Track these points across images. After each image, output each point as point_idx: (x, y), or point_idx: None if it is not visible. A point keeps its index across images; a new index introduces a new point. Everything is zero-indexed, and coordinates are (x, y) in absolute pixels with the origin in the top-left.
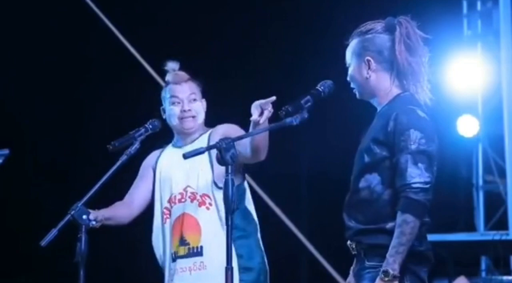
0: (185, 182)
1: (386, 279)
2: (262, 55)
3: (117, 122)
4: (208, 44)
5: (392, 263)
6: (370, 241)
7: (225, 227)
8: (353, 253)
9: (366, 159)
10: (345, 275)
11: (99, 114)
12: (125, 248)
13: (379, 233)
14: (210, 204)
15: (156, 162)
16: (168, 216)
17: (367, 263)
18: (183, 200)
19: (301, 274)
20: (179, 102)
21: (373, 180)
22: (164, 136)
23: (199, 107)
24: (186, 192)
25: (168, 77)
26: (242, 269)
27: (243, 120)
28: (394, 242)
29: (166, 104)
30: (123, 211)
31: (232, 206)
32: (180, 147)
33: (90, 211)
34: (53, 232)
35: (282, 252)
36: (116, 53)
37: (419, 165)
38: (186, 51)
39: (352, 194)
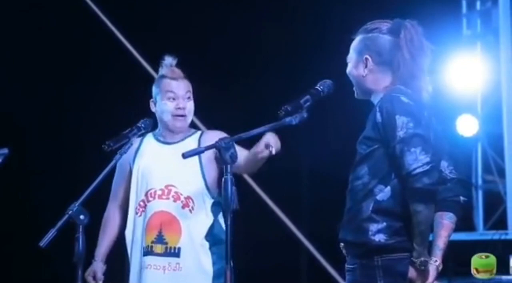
0: (167, 180)
1: (421, 267)
2: (263, 54)
3: (115, 121)
4: (208, 43)
5: (423, 251)
6: (343, 236)
7: (204, 232)
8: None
9: (358, 153)
10: (345, 275)
11: (97, 113)
12: (123, 248)
13: (353, 224)
14: (193, 208)
15: (135, 155)
16: (143, 209)
17: (346, 266)
18: (164, 196)
19: (301, 274)
20: (174, 99)
21: (361, 170)
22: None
23: (192, 107)
24: (169, 190)
25: (164, 71)
26: (217, 274)
27: (243, 119)
28: (414, 232)
29: (159, 98)
30: (112, 228)
31: (232, 205)
32: (167, 143)
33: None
34: (52, 232)
35: (282, 252)
36: (116, 53)
37: (412, 149)
38: (186, 50)
39: (348, 187)
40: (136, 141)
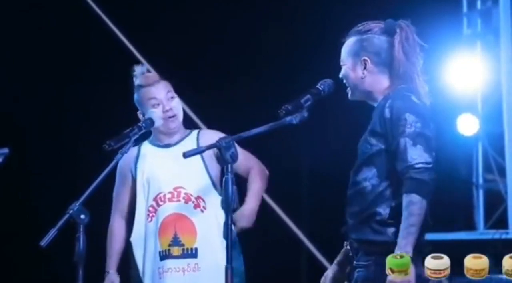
0: (175, 182)
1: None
2: (263, 54)
3: (115, 121)
4: (208, 43)
5: (405, 245)
6: (360, 236)
7: (220, 230)
8: (350, 254)
9: (364, 151)
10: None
11: (97, 113)
12: (123, 248)
13: (368, 226)
14: (204, 207)
15: (135, 164)
16: (154, 214)
17: (355, 263)
18: (174, 199)
19: (301, 274)
20: (158, 104)
21: (369, 172)
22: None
23: (179, 105)
24: (179, 192)
25: (139, 81)
26: (235, 272)
27: (244, 119)
28: (403, 224)
29: (144, 108)
30: (118, 239)
31: (232, 205)
32: (165, 147)
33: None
34: (53, 232)
35: (282, 252)
36: (116, 53)
37: (418, 146)
38: (186, 50)
39: (350, 188)
40: (133, 149)
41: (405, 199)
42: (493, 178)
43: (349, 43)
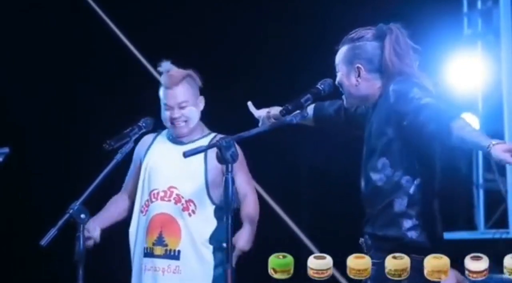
0: (170, 181)
1: (495, 143)
2: (263, 54)
3: (116, 121)
4: (209, 43)
5: (486, 139)
6: (375, 231)
7: (206, 236)
8: (365, 251)
9: (372, 144)
10: (345, 273)
11: (97, 113)
12: (124, 247)
13: (384, 217)
14: (194, 211)
15: (146, 152)
16: (147, 209)
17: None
18: (166, 198)
19: (301, 273)
20: (168, 109)
21: (378, 163)
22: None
23: (191, 112)
24: (171, 192)
25: (161, 78)
26: (217, 279)
27: (244, 118)
28: (469, 129)
29: (161, 106)
30: (120, 206)
31: (232, 205)
32: (178, 144)
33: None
34: (53, 231)
35: (282, 251)
36: (116, 53)
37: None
38: (186, 50)
39: (363, 182)
40: (149, 136)
41: (458, 122)
42: (494, 178)
43: (343, 51)
